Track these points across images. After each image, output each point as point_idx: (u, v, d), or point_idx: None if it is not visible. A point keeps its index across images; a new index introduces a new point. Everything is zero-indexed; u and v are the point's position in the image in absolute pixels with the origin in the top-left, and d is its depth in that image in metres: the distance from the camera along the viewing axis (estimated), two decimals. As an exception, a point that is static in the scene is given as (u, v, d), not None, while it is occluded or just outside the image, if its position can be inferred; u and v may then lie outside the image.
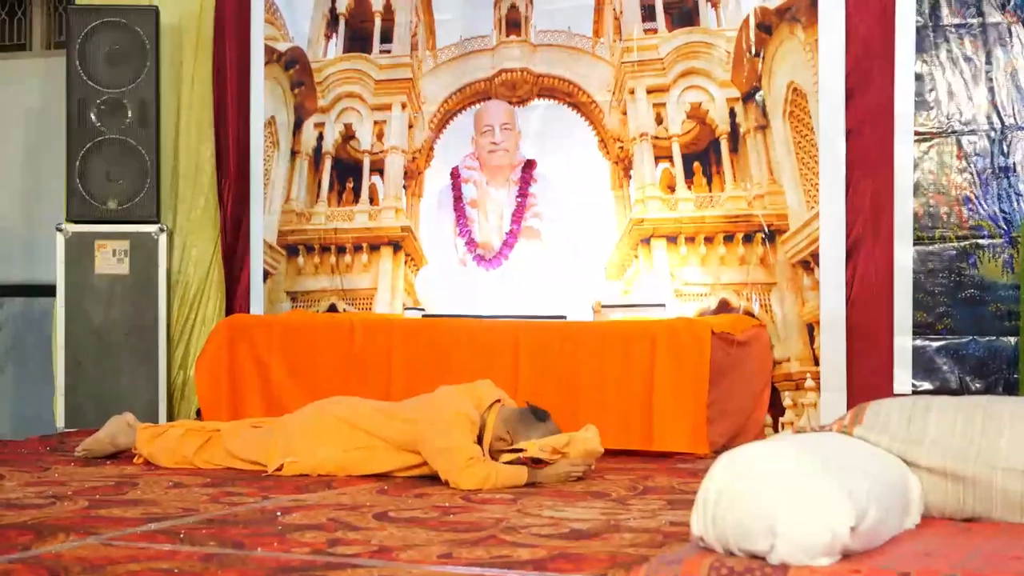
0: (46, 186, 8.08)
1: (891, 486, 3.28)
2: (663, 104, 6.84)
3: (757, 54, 6.64)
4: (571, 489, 4.71)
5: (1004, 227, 6.09)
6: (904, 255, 6.24)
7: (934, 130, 6.24)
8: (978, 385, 6.11)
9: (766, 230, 6.55)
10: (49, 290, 7.37)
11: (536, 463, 4.80)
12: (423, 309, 6.73)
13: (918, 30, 6.25)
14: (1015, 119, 6.09)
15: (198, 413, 6.78)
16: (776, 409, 6.45)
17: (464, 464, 4.72)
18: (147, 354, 7.07)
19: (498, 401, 5.04)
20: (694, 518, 3.03)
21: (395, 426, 5.03)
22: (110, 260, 7.09)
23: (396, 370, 6.26)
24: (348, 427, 5.13)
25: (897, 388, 6.18)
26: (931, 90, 6.25)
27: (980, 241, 6.14)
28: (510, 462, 4.80)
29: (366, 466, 5.05)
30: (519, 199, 6.91)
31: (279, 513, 4.09)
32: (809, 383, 6.41)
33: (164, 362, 7.10)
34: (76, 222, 7.14)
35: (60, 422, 7.06)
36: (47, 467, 5.27)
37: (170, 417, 7.07)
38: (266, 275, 7.56)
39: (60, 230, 7.11)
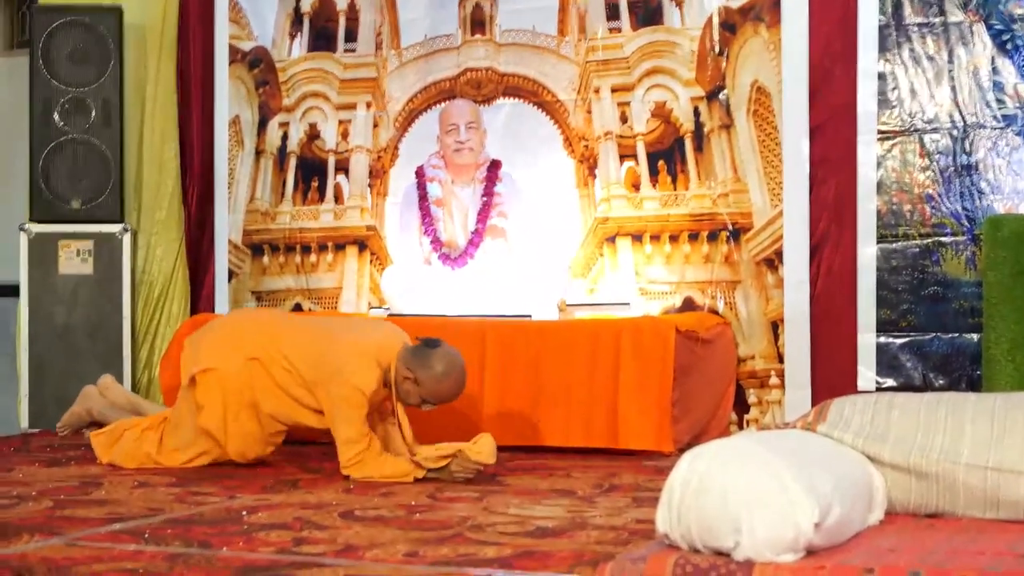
0: (9, 186, 8.04)
1: (855, 483, 3.29)
2: (628, 103, 6.84)
3: (721, 53, 6.65)
4: (536, 487, 4.73)
5: (967, 224, 6.12)
6: (868, 253, 6.27)
7: (897, 128, 6.27)
8: (942, 382, 6.13)
9: (730, 228, 6.57)
10: (12, 290, 7.33)
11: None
12: (388, 308, 6.72)
13: (880, 29, 6.28)
14: (977, 117, 6.12)
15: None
16: (741, 407, 6.46)
17: (351, 459, 4.95)
18: (111, 354, 7.04)
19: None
20: (659, 515, 3.04)
21: (304, 366, 5.15)
22: (74, 260, 7.06)
23: (362, 369, 6.24)
24: (265, 338, 5.25)
25: (861, 385, 6.20)
26: (894, 89, 6.28)
27: (943, 239, 6.17)
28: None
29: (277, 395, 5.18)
30: (484, 198, 6.92)
31: (245, 512, 4.09)
32: (773, 380, 6.43)
33: (129, 362, 7.07)
34: (40, 222, 7.10)
35: (24, 422, 7.02)
36: (11, 468, 5.24)
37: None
38: (231, 275, 7.54)
39: (24, 230, 7.07)
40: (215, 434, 5.22)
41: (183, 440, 5.28)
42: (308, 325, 5.39)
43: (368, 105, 7.37)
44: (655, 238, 6.73)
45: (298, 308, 7.39)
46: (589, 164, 6.89)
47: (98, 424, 5.69)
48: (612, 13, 6.90)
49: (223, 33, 7.59)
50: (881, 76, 6.29)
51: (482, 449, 4.91)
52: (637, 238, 6.76)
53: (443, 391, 5.03)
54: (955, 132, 6.16)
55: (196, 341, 5.42)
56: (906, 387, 6.12)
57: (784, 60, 6.46)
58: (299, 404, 5.17)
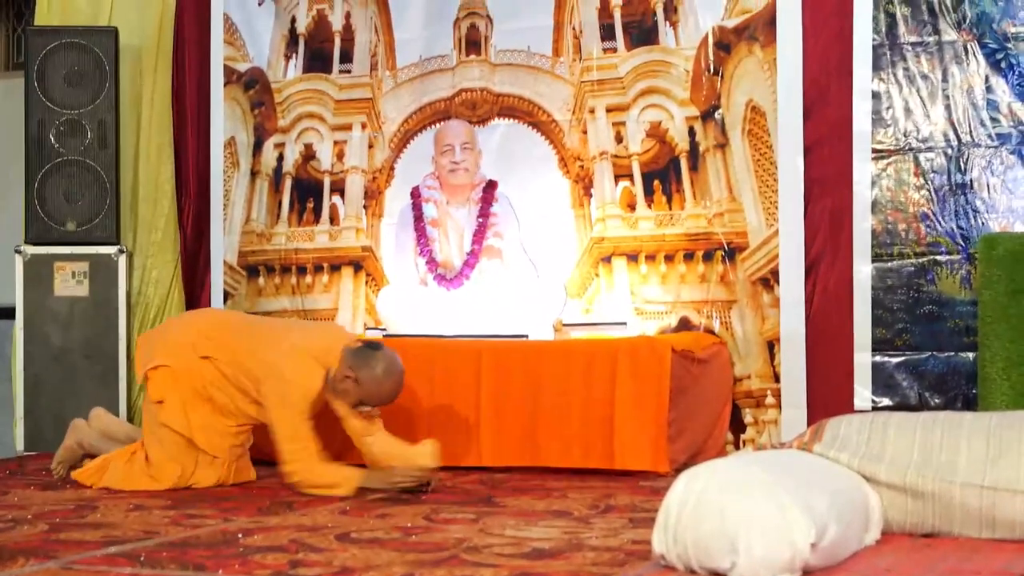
0: (5, 208, 8.03)
1: (851, 502, 3.29)
2: (623, 123, 6.85)
3: (716, 72, 6.66)
4: (533, 508, 4.72)
5: (962, 243, 6.13)
6: (863, 272, 6.27)
7: (892, 147, 6.28)
8: (937, 401, 6.13)
9: (726, 248, 6.57)
10: (8, 312, 7.32)
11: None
12: (384, 329, 6.72)
13: (875, 48, 6.29)
14: (971, 136, 6.13)
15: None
16: (737, 426, 6.46)
17: (286, 457, 5.06)
18: (107, 376, 7.03)
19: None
20: (655, 536, 3.04)
21: (250, 363, 5.21)
22: (69, 282, 7.05)
23: (357, 390, 6.24)
24: (216, 337, 5.34)
25: (857, 404, 6.20)
26: (888, 108, 6.29)
27: (938, 257, 6.18)
28: None
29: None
30: (480, 219, 6.91)
31: (240, 535, 4.08)
32: (770, 400, 6.42)
33: (124, 384, 7.06)
34: (35, 244, 7.09)
35: (20, 445, 7.01)
36: (6, 491, 5.23)
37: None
38: (226, 296, 7.54)
39: (19, 252, 7.07)
40: (180, 430, 5.27)
41: (164, 446, 5.29)
42: (257, 326, 5.48)
43: (363, 126, 7.37)
44: (651, 258, 6.73)
45: (294, 329, 7.37)
46: (584, 184, 6.89)
47: (91, 457, 5.67)
48: (607, 33, 6.91)
49: (218, 54, 7.60)
50: (875, 95, 6.29)
51: (425, 452, 5.07)
52: (633, 258, 6.76)
53: (383, 392, 5.09)
54: (950, 151, 6.17)
55: (150, 340, 5.52)
56: (902, 406, 6.11)
57: (779, 79, 6.47)
58: (248, 398, 5.25)
